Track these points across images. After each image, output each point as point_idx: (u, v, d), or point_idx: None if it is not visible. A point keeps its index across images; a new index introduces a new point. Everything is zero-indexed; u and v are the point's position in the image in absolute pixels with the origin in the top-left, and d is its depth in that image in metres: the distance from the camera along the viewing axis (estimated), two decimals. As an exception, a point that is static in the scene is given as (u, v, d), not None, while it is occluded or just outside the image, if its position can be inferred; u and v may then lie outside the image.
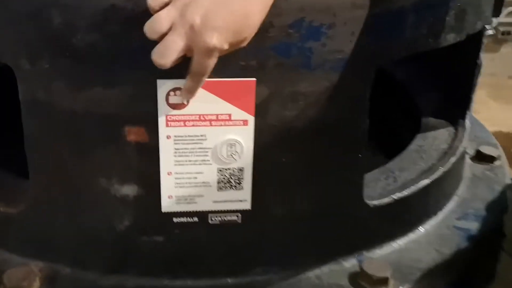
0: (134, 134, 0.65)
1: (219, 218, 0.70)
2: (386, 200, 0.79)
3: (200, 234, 0.71)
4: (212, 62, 0.57)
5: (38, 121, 0.66)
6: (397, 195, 0.80)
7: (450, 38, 0.75)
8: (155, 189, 0.68)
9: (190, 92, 0.61)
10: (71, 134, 0.66)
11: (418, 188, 0.82)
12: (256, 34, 0.60)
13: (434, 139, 0.95)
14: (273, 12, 0.60)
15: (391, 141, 1.05)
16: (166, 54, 0.56)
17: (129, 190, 0.68)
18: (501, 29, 2.09)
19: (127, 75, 0.62)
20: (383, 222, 0.80)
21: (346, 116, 0.69)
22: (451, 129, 0.97)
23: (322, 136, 0.69)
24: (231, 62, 0.62)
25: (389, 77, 1.12)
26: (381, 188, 0.82)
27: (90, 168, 0.67)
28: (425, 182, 0.83)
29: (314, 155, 0.70)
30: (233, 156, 0.66)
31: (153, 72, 0.59)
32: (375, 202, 0.78)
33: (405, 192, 0.81)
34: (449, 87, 1.01)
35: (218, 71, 0.62)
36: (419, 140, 0.95)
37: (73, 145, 0.66)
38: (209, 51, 0.56)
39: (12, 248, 0.73)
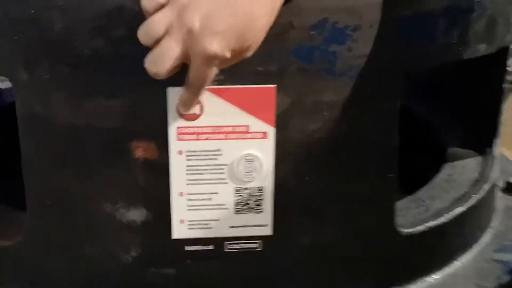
0: (142, 149, 0.59)
1: (237, 246, 0.63)
2: (419, 228, 0.71)
3: (215, 265, 0.63)
4: (212, 72, 0.52)
5: (36, 139, 0.60)
6: (431, 223, 0.73)
7: (481, 48, 0.69)
8: (165, 212, 0.61)
9: (187, 105, 0.56)
10: (72, 153, 0.60)
11: (452, 216, 0.75)
12: (275, 36, 0.54)
13: (462, 168, 0.89)
14: (293, 12, 0.55)
15: (409, 176, 0.99)
16: (161, 62, 0.50)
17: (136, 214, 0.61)
18: None
19: (134, 83, 0.56)
20: (416, 252, 0.72)
21: (374, 130, 0.63)
22: (479, 158, 0.91)
23: (348, 152, 0.63)
24: (248, 68, 0.56)
25: (406, 111, 1.07)
26: (412, 216, 0.75)
27: (93, 190, 0.61)
28: (459, 210, 0.76)
29: (341, 174, 0.63)
30: (252, 173, 0.60)
31: (163, 79, 0.54)
32: (408, 230, 0.70)
33: (440, 220, 0.74)
34: (473, 115, 0.96)
35: (233, 78, 0.56)
36: (447, 170, 0.89)
37: (74, 165, 0.60)
38: (209, 58, 0.49)
39: (7, 283, 0.65)
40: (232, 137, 0.58)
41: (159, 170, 0.59)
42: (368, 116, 0.62)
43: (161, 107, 0.57)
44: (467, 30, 0.66)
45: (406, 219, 0.73)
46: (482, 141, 0.92)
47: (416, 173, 0.99)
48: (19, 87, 0.58)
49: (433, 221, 0.73)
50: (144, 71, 0.53)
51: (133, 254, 0.63)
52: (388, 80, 0.61)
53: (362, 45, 0.58)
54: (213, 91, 0.57)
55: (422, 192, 0.82)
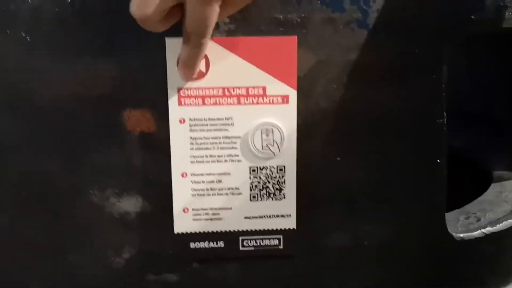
0: (136, 120, 0.48)
1: (254, 243, 0.50)
2: (475, 234, 0.59)
3: (227, 268, 0.51)
4: (213, 12, 0.41)
5: (10, 115, 0.49)
6: (488, 230, 0.60)
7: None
8: (165, 200, 0.49)
9: (188, 62, 0.45)
10: (53, 130, 0.49)
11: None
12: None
13: None
14: None
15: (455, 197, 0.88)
16: (147, 2, 0.41)
17: (130, 204, 0.50)
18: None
19: (125, 38, 0.47)
20: (473, 264, 0.59)
21: (417, 102, 0.52)
22: None
23: (388, 128, 0.51)
24: (263, 15, 0.47)
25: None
26: (463, 226, 0.62)
27: (78, 176, 0.49)
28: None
29: (379, 155, 0.52)
30: (270, 148, 0.48)
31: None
32: (462, 235, 0.58)
33: (498, 227, 0.61)
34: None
35: (246, 27, 0.47)
36: (496, 188, 0.78)
37: (55, 145, 0.49)
38: None
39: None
40: (246, 102, 0.48)
41: (158, 145, 0.48)
42: (408, 85, 0.51)
43: (159, 63, 0.47)
44: None
45: (456, 228, 0.61)
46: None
47: (462, 194, 0.88)
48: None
49: (490, 227, 0.60)
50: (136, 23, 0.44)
51: (125, 256, 0.51)
52: (431, 44, 0.50)
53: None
54: (221, 43, 0.47)
55: (471, 206, 0.70)
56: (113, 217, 0.50)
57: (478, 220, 0.64)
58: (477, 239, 0.58)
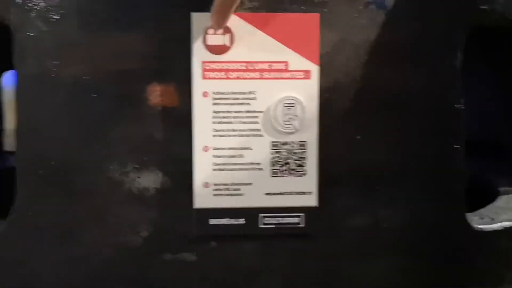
0: (159, 94, 0.48)
1: (274, 221, 0.50)
2: (494, 226, 0.58)
3: (246, 247, 0.50)
4: None
5: (33, 91, 0.49)
6: (506, 224, 0.60)
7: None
8: (186, 176, 0.49)
9: (222, 12, 0.45)
10: (76, 106, 0.49)
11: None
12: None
13: None
14: None
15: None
16: None
17: (149, 180, 0.49)
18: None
19: (150, 11, 0.48)
20: (490, 258, 0.59)
21: (433, 86, 0.53)
22: None
23: (405, 109, 0.52)
24: (287, -6, 0.48)
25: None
26: (478, 223, 0.62)
27: (98, 151, 0.49)
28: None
29: (397, 137, 0.52)
30: (292, 122, 0.49)
31: (185, 1, 0.46)
32: (481, 227, 0.57)
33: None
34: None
35: (269, 4, 0.48)
36: (504, 198, 0.78)
37: (76, 121, 0.49)
38: None
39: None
40: (268, 77, 0.48)
41: (179, 120, 0.48)
42: (426, 68, 0.52)
43: (184, 37, 0.48)
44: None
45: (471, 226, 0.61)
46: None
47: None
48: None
49: (509, 222, 0.60)
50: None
51: (142, 234, 0.50)
52: (446, 28, 0.52)
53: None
54: (246, 18, 0.48)
55: (484, 210, 0.70)
56: (131, 193, 0.49)
57: (493, 219, 0.64)
58: (495, 231, 0.58)
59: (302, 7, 0.49)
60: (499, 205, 0.72)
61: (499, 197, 0.78)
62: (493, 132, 0.88)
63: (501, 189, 0.82)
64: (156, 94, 0.48)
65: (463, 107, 0.53)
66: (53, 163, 0.49)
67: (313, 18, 0.48)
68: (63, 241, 0.49)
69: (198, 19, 0.47)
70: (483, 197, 0.81)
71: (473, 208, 0.67)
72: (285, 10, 0.49)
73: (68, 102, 0.49)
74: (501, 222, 0.60)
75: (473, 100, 0.61)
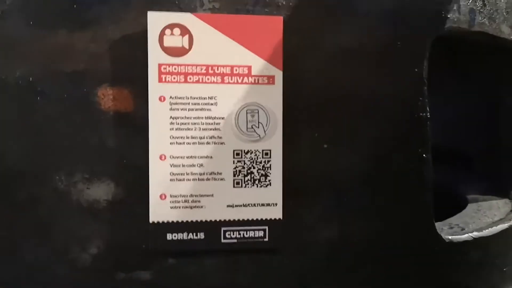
0: (111, 98, 0.45)
1: (237, 235, 0.46)
2: (464, 237, 0.57)
3: (208, 264, 0.46)
4: None
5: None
6: (475, 234, 0.59)
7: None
8: (141, 186, 0.45)
9: None
10: (19, 108, 0.45)
11: (498, 231, 0.61)
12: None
13: (490, 205, 0.78)
14: None
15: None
16: None
17: (100, 191, 0.45)
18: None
19: (104, 8, 0.44)
20: (460, 269, 0.57)
21: (400, 94, 0.51)
22: (506, 200, 0.81)
23: (372, 117, 0.50)
24: (249, -5, 0.46)
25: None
26: (448, 234, 0.61)
27: (44, 159, 0.45)
28: (504, 226, 0.63)
29: (363, 145, 0.50)
30: (256, 130, 0.46)
31: (141, 2, 0.43)
32: (451, 237, 0.56)
33: (485, 232, 0.60)
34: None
35: (231, 5, 0.45)
36: (473, 206, 0.78)
37: (21, 124, 0.45)
38: None
39: None
40: (231, 81, 0.46)
41: (134, 126, 0.45)
42: (393, 75, 0.50)
43: (140, 38, 0.44)
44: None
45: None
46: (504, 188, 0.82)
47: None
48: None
49: (477, 232, 0.59)
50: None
51: (92, 252, 0.45)
52: (412, 37, 0.51)
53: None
54: (206, 20, 0.45)
55: (453, 219, 0.69)
56: (80, 206, 0.45)
57: (462, 229, 0.63)
58: (465, 242, 0.57)
59: (265, 9, 0.47)
60: (468, 213, 0.71)
61: (468, 205, 0.77)
62: (459, 141, 0.88)
63: (469, 197, 0.82)
64: (109, 97, 0.45)
65: (429, 116, 0.52)
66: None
67: (276, 21, 0.46)
68: (4, 258, 0.45)
69: (155, 19, 0.44)
70: (451, 205, 0.80)
71: (442, 216, 0.65)
72: (248, 12, 0.46)
73: (11, 105, 0.45)
74: (471, 232, 0.59)
75: (438, 109, 0.61)
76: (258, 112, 0.46)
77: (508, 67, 0.70)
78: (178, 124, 0.45)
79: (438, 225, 0.63)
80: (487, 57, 0.69)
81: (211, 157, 0.45)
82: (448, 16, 0.53)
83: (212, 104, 0.45)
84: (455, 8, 0.54)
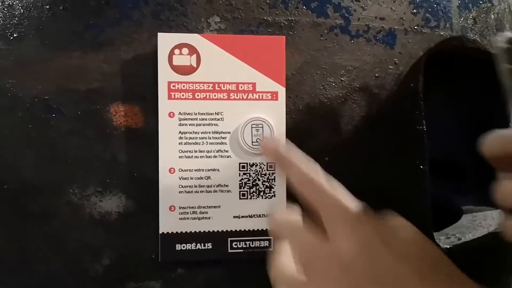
0: (123, 115, 0.47)
1: (243, 245, 0.48)
2: (458, 242, 0.59)
3: (215, 273, 0.48)
4: None
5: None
6: (472, 243, 0.61)
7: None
8: (151, 198, 0.47)
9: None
10: (35, 125, 0.47)
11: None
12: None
13: (485, 216, 0.80)
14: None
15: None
16: None
17: (112, 204, 0.47)
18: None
19: (115, 28, 0.47)
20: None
21: (397, 108, 0.53)
22: (500, 210, 0.83)
23: (371, 131, 0.52)
24: (253, 16, 0.48)
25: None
26: (445, 244, 0.63)
27: (58, 173, 0.47)
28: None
29: (363, 157, 0.52)
30: (260, 143, 0.48)
31: (151, 22, 0.45)
32: (445, 244, 0.58)
33: (483, 240, 0.62)
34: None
35: (235, 26, 0.48)
36: (468, 217, 0.80)
37: (34, 140, 0.47)
38: None
39: None
40: (236, 98, 0.48)
41: (144, 141, 0.47)
42: (389, 91, 0.53)
43: (150, 57, 0.47)
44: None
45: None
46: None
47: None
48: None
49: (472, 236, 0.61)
50: (128, 10, 0.44)
51: (104, 262, 0.47)
52: (407, 54, 0.53)
53: (381, 6, 0.52)
54: (212, 40, 0.47)
55: (449, 230, 0.71)
56: (92, 218, 0.47)
57: (459, 239, 0.65)
58: (464, 251, 0.59)
59: (268, 30, 0.49)
60: (464, 223, 0.73)
61: (463, 216, 0.79)
62: (453, 152, 0.90)
63: (464, 207, 0.84)
64: (120, 114, 0.47)
65: (425, 129, 0.54)
66: (5, 186, 0.47)
67: (279, 41, 0.48)
68: (18, 269, 0.46)
69: (165, 39, 0.47)
70: (447, 216, 0.82)
71: (438, 227, 0.67)
72: (252, 32, 0.49)
73: (26, 122, 0.47)
74: (468, 241, 0.61)
75: (433, 122, 0.63)
76: (262, 127, 0.48)
77: (499, 80, 0.73)
78: (187, 138, 0.47)
79: (435, 235, 0.65)
80: (479, 71, 0.72)
81: (218, 170, 0.48)
82: (442, 33, 0.56)
83: (219, 119, 0.47)
84: (448, 26, 0.56)
